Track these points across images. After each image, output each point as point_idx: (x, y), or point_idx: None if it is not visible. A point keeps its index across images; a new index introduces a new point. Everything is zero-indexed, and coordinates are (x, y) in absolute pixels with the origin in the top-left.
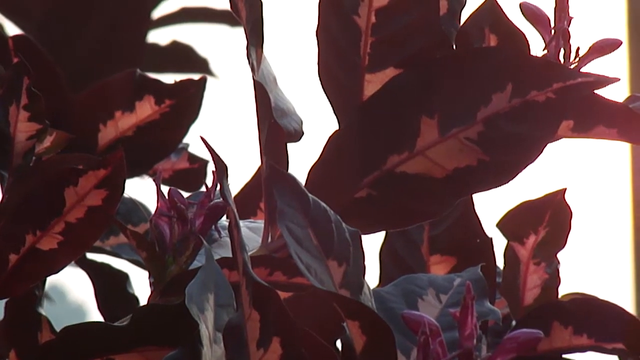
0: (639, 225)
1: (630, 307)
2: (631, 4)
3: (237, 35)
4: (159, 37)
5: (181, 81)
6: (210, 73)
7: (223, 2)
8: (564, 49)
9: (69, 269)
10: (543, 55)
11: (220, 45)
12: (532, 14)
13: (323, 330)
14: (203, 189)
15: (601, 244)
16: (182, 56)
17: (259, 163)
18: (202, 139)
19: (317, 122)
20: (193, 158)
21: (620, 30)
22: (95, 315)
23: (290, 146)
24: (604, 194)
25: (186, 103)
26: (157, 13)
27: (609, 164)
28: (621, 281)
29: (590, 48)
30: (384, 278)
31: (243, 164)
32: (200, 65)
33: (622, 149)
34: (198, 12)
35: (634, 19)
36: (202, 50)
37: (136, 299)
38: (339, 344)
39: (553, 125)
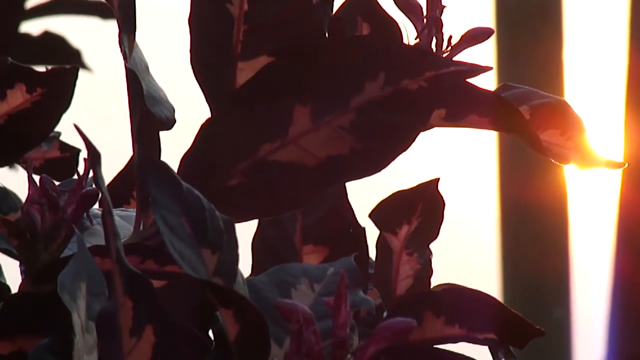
0: (505, 215)
1: (498, 297)
2: None
3: (110, 27)
4: (33, 27)
5: (53, 69)
6: (83, 64)
7: None
8: (436, 38)
9: None
10: (415, 44)
11: (93, 35)
12: (405, 3)
13: (196, 319)
14: (75, 177)
15: (469, 234)
16: (54, 46)
17: (131, 152)
18: (76, 126)
19: (190, 110)
20: (64, 147)
21: (487, 19)
22: None
23: (162, 134)
24: (472, 185)
25: (58, 91)
26: (30, 3)
27: (476, 154)
28: (489, 271)
29: (462, 37)
30: (256, 267)
31: (116, 154)
32: (73, 55)
33: (489, 139)
34: (71, 3)
35: (501, 8)
36: (75, 41)
37: (7, 288)
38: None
39: (425, 114)
